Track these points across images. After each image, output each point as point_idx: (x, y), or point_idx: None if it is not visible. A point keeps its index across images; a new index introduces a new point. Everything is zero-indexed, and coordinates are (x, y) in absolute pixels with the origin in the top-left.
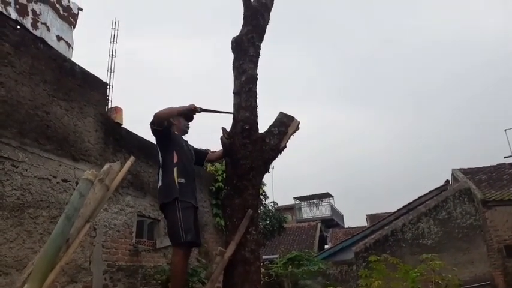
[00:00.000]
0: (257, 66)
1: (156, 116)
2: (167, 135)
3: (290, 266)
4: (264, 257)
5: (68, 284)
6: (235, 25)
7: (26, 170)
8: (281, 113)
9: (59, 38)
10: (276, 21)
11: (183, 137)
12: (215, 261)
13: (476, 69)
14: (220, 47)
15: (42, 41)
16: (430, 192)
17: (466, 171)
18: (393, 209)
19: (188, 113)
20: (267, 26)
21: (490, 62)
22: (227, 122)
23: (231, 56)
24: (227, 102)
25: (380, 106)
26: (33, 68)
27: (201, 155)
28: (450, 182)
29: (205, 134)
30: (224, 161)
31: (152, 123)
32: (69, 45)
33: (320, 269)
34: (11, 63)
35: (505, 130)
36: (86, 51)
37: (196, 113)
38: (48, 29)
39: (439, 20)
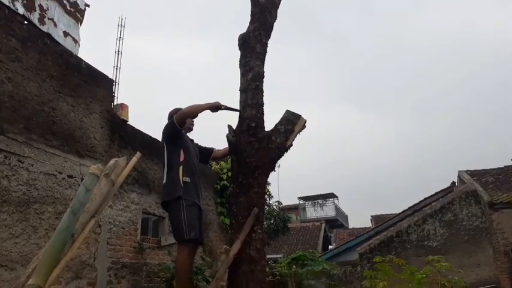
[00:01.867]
0: (264, 63)
1: (182, 113)
2: (180, 134)
3: (294, 266)
4: (268, 256)
5: (73, 280)
6: (235, 23)
7: (32, 166)
8: (288, 111)
9: (66, 34)
10: (280, 19)
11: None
12: (220, 260)
13: (486, 69)
14: (220, 46)
15: (49, 36)
16: (436, 193)
17: (473, 173)
18: (398, 211)
19: (212, 111)
20: (274, 23)
21: (501, 61)
22: (234, 120)
23: (230, 54)
24: (226, 99)
25: (388, 107)
26: (40, 64)
27: (206, 153)
28: (456, 183)
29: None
30: (230, 159)
31: (173, 121)
32: (75, 41)
33: (324, 269)
34: (18, 59)
35: None
36: (90, 47)
37: (219, 110)
38: (55, 25)
39: (445, 21)
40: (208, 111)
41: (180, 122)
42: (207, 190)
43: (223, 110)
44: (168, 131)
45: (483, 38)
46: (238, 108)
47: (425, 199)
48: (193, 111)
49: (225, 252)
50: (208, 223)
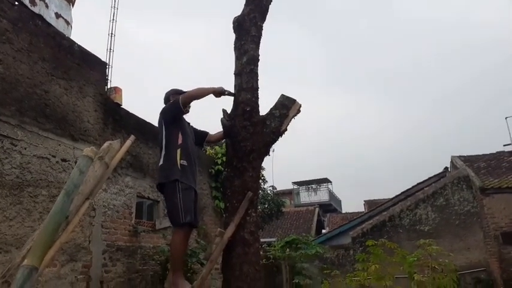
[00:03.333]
0: (259, 46)
1: (188, 95)
2: (181, 116)
3: (288, 250)
4: (262, 240)
5: (68, 263)
6: (228, 5)
7: (25, 149)
8: (282, 96)
9: (58, 16)
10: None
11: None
12: (214, 242)
13: (477, 52)
14: (213, 29)
15: (40, 18)
16: (429, 178)
17: (466, 159)
18: (391, 196)
19: (216, 96)
20: (270, 6)
21: (494, 42)
22: (229, 104)
23: (224, 37)
24: (219, 82)
25: (380, 93)
26: (32, 46)
27: (201, 136)
28: (449, 169)
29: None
30: (224, 144)
31: (178, 102)
32: (68, 23)
33: (317, 253)
34: (9, 40)
35: (506, 118)
36: (83, 29)
37: (222, 96)
38: (47, 6)
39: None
40: (212, 95)
41: (185, 104)
42: (201, 174)
43: (226, 96)
44: (172, 112)
45: (479, 24)
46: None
47: (418, 184)
48: (200, 94)
49: (220, 235)
50: (203, 207)
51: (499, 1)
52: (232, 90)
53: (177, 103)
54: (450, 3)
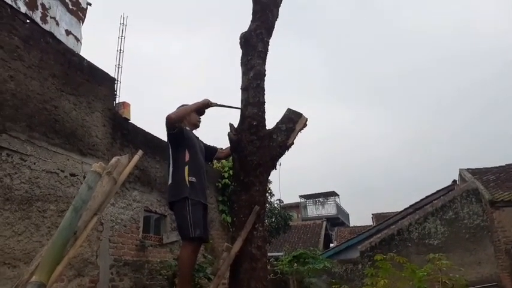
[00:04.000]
0: (265, 62)
1: (169, 118)
2: (180, 136)
3: (295, 264)
4: (269, 254)
5: (75, 278)
6: (234, 18)
7: (34, 164)
8: (289, 110)
9: (68, 33)
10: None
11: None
12: (221, 257)
13: (475, 61)
14: (219, 42)
15: (51, 35)
16: (437, 192)
17: (474, 172)
18: (400, 209)
19: (202, 109)
20: (276, 22)
21: (491, 51)
22: (235, 118)
23: (229, 49)
24: (225, 95)
25: (390, 107)
26: (42, 62)
27: (211, 152)
28: (457, 182)
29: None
30: (231, 158)
31: (167, 129)
32: (77, 39)
33: (325, 267)
34: (20, 57)
35: None
36: (92, 45)
37: (210, 108)
38: (57, 23)
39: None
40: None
41: (171, 126)
42: (208, 188)
43: (217, 107)
44: (167, 137)
45: (479, 30)
46: (231, 105)
47: (426, 197)
48: (181, 115)
49: (227, 250)
50: (210, 221)
51: (495, 12)
52: (239, 105)
53: (167, 130)
54: (448, 13)
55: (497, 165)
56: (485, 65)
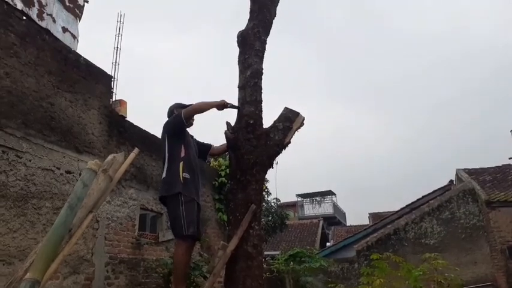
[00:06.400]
0: (263, 60)
1: (192, 109)
2: (184, 130)
3: (292, 263)
4: (265, 253)
5: (71, 275)
6: (230, 16)
7: (30, 161)
8: (286, 108)
9: (65, 30)
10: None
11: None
12: (217, 255)
13: (471, 62)
14: (214, 41)
15: (47, 32)
16: (434, 192)
17: (470, 172)
18: (396, 208)
19: (219, 109)
20: (273, 21)
21: (487, 52)
22: (232, 117)
23: (225, 48)
24: (220, 94)
25: (387, 107)
26: (39, 59)
27: (204, 149)
28: (454, 182)
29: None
30: (228, 156)
31: (181, 116)
32: (74, 36)
33: (321, 266)
34: (16, 54)
35: (511, 131)
36: (89, 42)
37: (225, 109)
38: (54, 21)
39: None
40: (215, 109)
41: (188, 117)
42: (205, 187)
43: (229, 108)
44: (174, 125)
45: (472, 35)
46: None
47: (423, 197)
48: (202, 108)
49: (223, 248)
50: (206, 219)
51: (490, 13)
52: (236, 103)
53: (179, 117)
54: (442, 16)
55: (493, 166)
56: (484, 65)
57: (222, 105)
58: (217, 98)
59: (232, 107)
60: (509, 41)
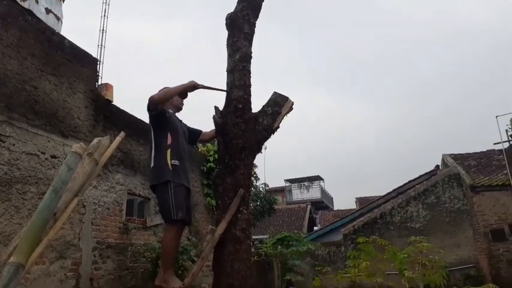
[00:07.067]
0: (252, 44)
1: (152, 99)
2: (162, 118)
3: (279, 247)
4: (254, 237)
5: (57, 260)
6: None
7: (14, 145)
8: (275, 93)
9: (48, 11)
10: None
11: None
12: (205, 239)
13: (471, 56)
14: (201, 25)
15: (30, 13)
16: (420, 176)
17: (456, 157)
18: (383, 193)
19: (188, 91)
20: (263, 3)
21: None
22: (221, 101)
23: (213, 32)
24: (211, 79)
25: (374, 93)
26: (21, 41)
27: (195, 135)
28: (440, 167)
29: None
30: (216, 141)
31: (148, 110)
32: (58, 18)
33: (309, 250)
34: None
35: (496, 116)
36: (74, 25)
37: (195, 90)
38: (37, 1)
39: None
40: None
41: (154, 107)
42: (193, 172)
43: (203, 89)
44: (150, 117)
45: (477, 26)
46: (218, 87)
47: (409, 182)
48: (167, 95)
49: (211, 232)
50: (194, 204)
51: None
52: (224, 87)
53: (148, 109)
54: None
55: (478, 151)
56: (468, 46)
57: (191, 87)
58: (204, 83)
59: (204, 87)
60: (492, 21)
